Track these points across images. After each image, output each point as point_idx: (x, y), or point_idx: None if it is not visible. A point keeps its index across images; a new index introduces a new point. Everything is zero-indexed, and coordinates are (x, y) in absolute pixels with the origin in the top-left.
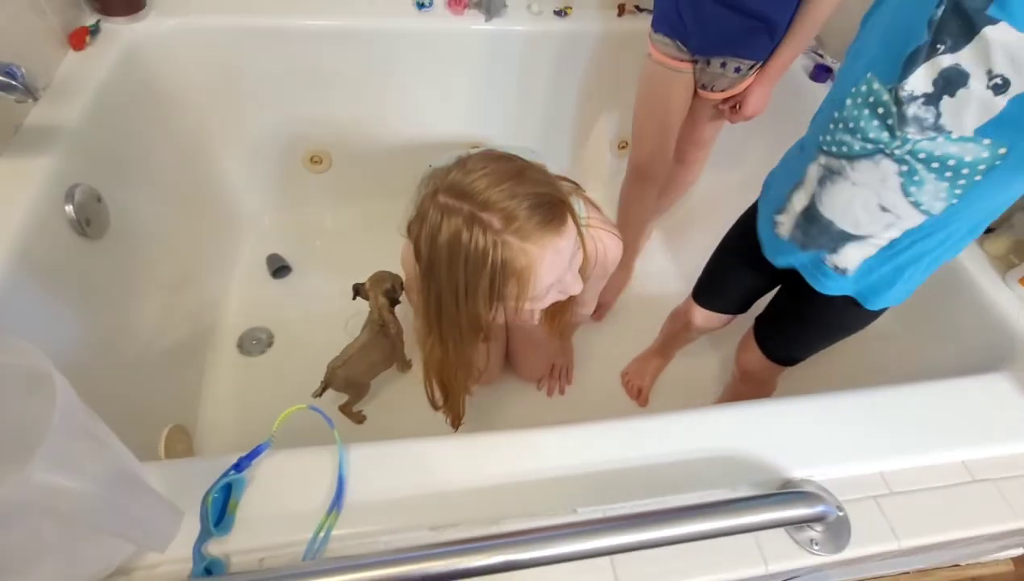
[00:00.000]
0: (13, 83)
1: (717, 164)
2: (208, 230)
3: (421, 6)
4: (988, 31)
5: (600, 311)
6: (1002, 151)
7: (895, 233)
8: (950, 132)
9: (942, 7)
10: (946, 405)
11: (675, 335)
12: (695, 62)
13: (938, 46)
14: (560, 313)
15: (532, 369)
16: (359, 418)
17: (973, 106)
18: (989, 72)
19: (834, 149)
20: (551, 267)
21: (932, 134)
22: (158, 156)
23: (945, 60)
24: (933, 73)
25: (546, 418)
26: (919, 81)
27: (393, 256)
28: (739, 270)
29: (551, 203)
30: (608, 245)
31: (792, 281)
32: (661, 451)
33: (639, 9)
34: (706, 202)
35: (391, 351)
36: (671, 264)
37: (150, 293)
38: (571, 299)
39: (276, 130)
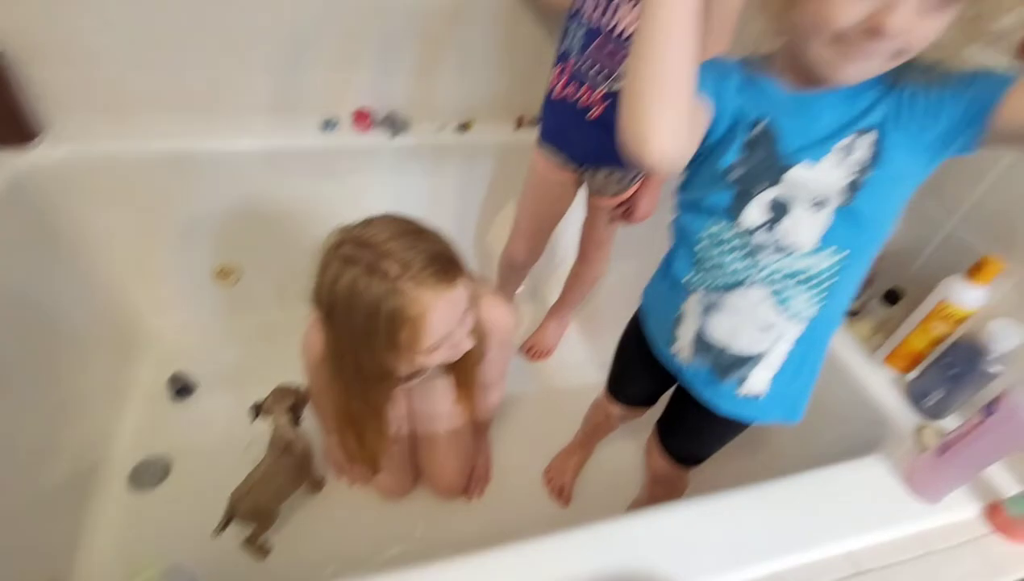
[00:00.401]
0: None
1: (624, 255)
2: (103, 356)
3: (327, 125)
4: (788, 174)
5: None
6: (844, 253)
7: (786, 345)
8: (798, 249)
9: (742, 165)
10: (828, 494)
11: (597, 426)
12: (583, 172)
13: (755, 188)
14: (467, 386)
15: (448, 478)
16: (263, 553)
17: (806, 224)
18: (809, 194)
19: (704, 286)
20: (444, 317)
21: (783, 255)
22: (46, 285)
23: (768, 193)
24: (763, 205)
25: (466, 529)
26: (754, 214)
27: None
28: (639, 372)
29: (447, 258)
30: (501, 313)
31: (684, 397)
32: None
33: (539, 121)
34: (618, 292)
35: (298, 471)
36: (589, 355)
37: (24, 431)
38: (473, 369)
39: (182, 249)
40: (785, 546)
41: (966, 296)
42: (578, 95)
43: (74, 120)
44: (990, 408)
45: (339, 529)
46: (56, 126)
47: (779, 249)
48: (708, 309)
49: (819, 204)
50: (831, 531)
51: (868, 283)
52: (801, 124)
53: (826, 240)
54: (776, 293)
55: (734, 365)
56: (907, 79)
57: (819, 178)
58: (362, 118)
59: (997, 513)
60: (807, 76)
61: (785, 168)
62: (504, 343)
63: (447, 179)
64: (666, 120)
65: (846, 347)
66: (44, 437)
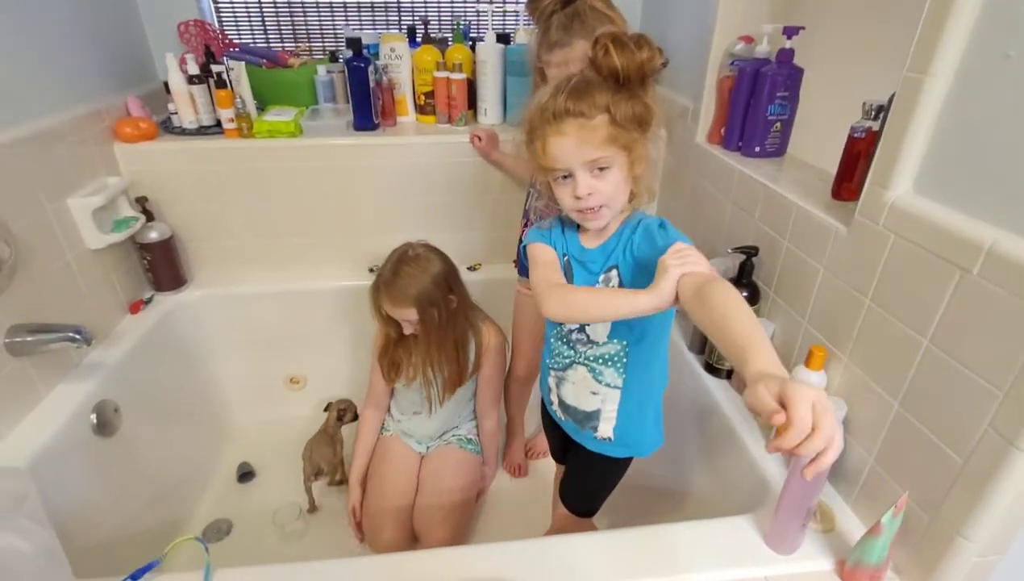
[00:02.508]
0: (78, 338)
1: None
2: (200, 440)
3: (371, 270)
4: None
5: (522, 468)
6: (624, 343)
7: (612, 405)
8: (596, 341)
9: None
10: (699, 541)
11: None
12: None
13: None
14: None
15: (439, 544)
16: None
17: (600, 326)
18: None
19: (555, 366)
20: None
21: (590, 345)
22: (173, 383)
23: None
24: None
25: None
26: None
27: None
28: (553, 429)
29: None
30: (495, 335)
31: (572, 445)
32: None
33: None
34: None
35: (331, 456)
36: None
37: (139, 486)
38: (464, 370)
39: (269, 362)
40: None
41: (809, 380)
42: None
43: (211, 273)
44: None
45: None
46: (199, 277)
47: (587, 343)
48: (559, 383)
49: None
50: (691, 567)
51: None
52: (582, 267)
53: (611, 335)
54: (591, 370)
55: (586, 419)
56: (635, 232)
57: None
58: None
59: (842, 565)
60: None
61: None
62: (497, 355)
63: None
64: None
65: (748, 432)
66: (155, 488)
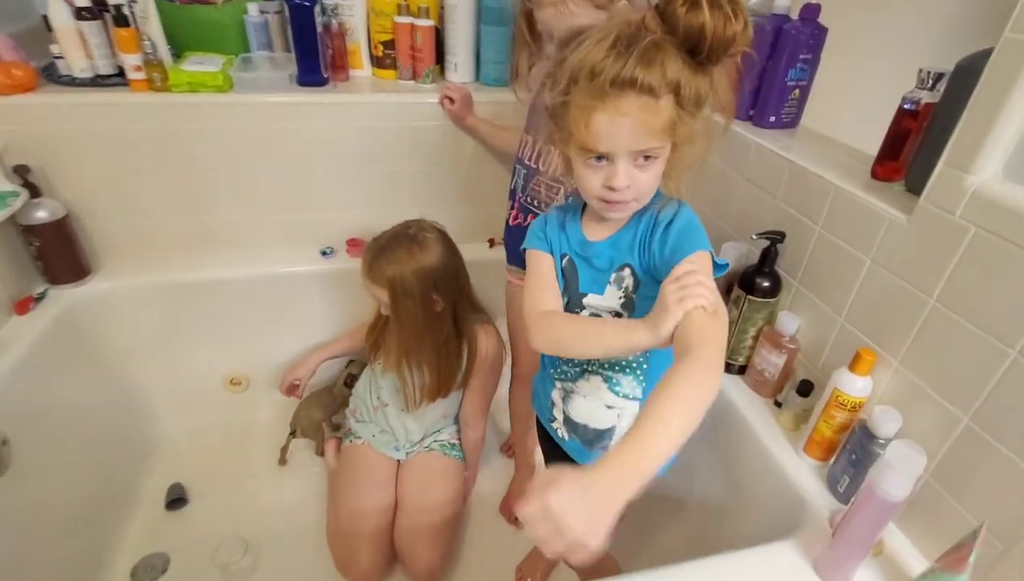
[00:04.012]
0: None
1: None
2: (121, 461)
3: (324, 253)
4: (585, 300)
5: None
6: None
7: (628, 420)
8: None
9: (565, 291)
10: (741, 577)
11: None
12: None
13: (576, 309)
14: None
15: (427, 562)
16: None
17: None
18: (606, 310)
19: (561, 376)
20: None
21: None
22: (79, 398)
23: (584, 311)
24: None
25: None
26: None
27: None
28: (550, 447)
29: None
30: (493, 342)
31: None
32: None
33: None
34: None
35: (331, 408)
36: None
37: (45, 529)
38: (454, 375)
39: (202, 362)
40: None
41: (852, 386)
42: (527, 222)
43: (121, 260)
44: (860, 489)
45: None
46: (105, 265)
47: None
48: (566, 396)
49: (616, 314)
50: None
51: (785, 376)
52: (587, 265)
53: None
54: (607, 379)
55: (596, 438)
56: (650, 231)
57: (606, 302)
58: (355, 245)
59: None
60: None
61: (584, 295)
62: (490, 370)
63: None
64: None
65: (771, 436)
66: (66, 528)
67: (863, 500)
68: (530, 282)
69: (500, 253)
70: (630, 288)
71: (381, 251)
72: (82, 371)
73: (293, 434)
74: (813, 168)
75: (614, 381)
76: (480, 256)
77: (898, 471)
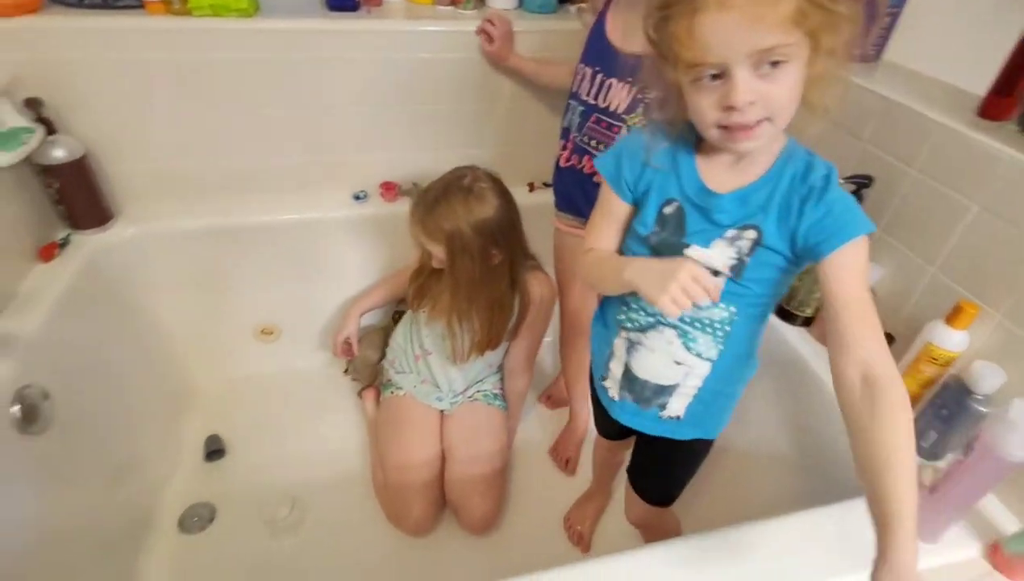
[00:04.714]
0: None
1: None
2: (158, 412)
3: (357, 198)
4: (687, 251)
5: (571, 465)
6: (733, 310)
7: (696, 380)
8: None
9: (656, 235)
10: (822, 534)
11: (602, 464)
12: None
13: (666, 254)
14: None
15: (480, 513)
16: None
17: None
18: (706, 266)
19: (629, 325)
20: None
21: None
22: (114, 349)
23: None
24: None
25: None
26: None
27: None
28: (600, 405)
29: None
30: (547, 288)
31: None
32: None
33: (546, 185)
34: None
35: (373, 360)
36: None
37: (91, 482)
38: (505, 324)
39: (232, 311)
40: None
41: (948, 340)
42: (582, 164)
43: (144, 205)
44: (969, 446)
45: (364, 575)
46: (127, 210)
47: None
48: (630, 347)
49: (714, 272)
50: (827, 571)
51: None
52: (702, 216)
53: (722, 296)
54: (682, 334)
55: (655, 394)
56: (797, 190)
57: (711, 258)
58: (389, 189)
59: (996, 552)
60: (720, 152)
61: (686, 245)
62: (542, 319)
63: None
64: None
65: None
66: (112, 480)
67: (978, 459)
68: (593, 214)
69: (540, 198)
70: (745, 250)
71: (435, 203)
72: (113, 321)
73: (346, 372)
74: (911, 104)
75: (690, 336)
76: (520, 201)
77: (1021, 431)
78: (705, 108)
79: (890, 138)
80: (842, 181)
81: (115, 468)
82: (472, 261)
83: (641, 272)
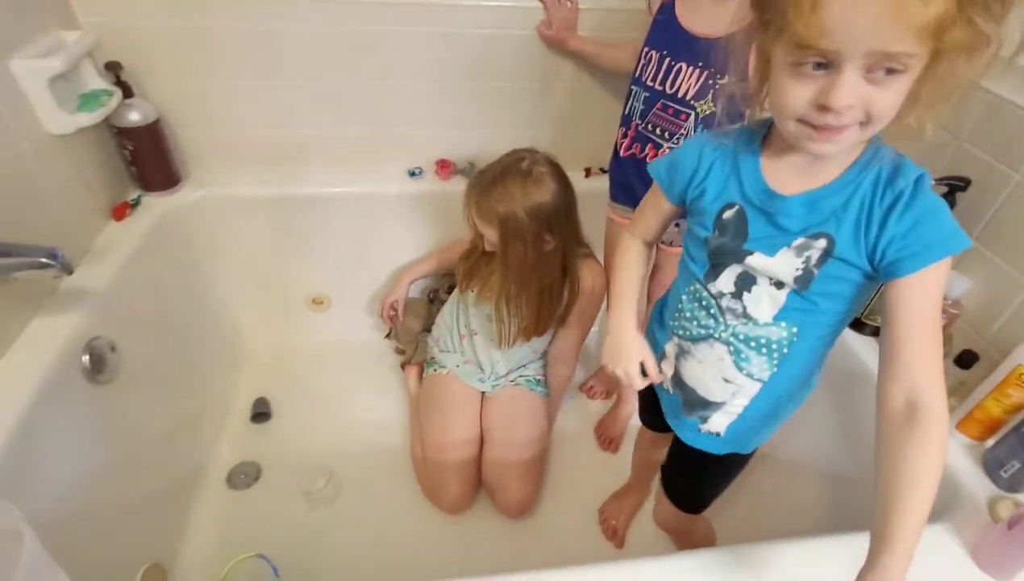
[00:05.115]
0: (52, 263)
1: None
2: (213, 372)
3: (412, 174)
4: (749, 259)
5: (615, 444)
6: (795, 330)
7: (743, 399)
8: (756, 319)
9: (715, 240)
10: None
11: (643, 460)
12: None
13: (725, 262)
14: (544, 320)
15: (517, 496)
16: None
17: (765, 299)
18: (768, 276)
19: (680, 332)
20: None
21: (744, 321)
22: (176, 308)
23: (735, 269)
24: (733, 276)
25: (518, 557)
26: (725, 282)
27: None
28: (649, 396)
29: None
30: (599, 277)
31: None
32: None
33: (603, 171)
34: None
35: (428, 317)
36: None
37: (150, 432)
38: (553, 311)
39: (285, 279)
40: None
41: None
42: (644, 153)
43: (209, 170)
44: None
45: (396, 549)
46: (195, 175)
47: (740, 316)
48: (680, 354)
49: (777, 284)
50: None
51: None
52: (767, 221)
53: (779, 316)
54: (734, 352)
55: (699, 405)
56: (881, 199)
57: (774, 267)
58: (444, 167)
59: None
60: (793, 148)
61: (748, 253)
62: (593, 308)
63: None
64: None
65: None
66: (168, 433)
67: None
68: (643, 202)
69: (597, 184)
70: (813, 261)
71: (492, 185)
72: (176, 281)
73: (388, 337)
74: (1022, 101)
75: (743, 356)
76: (575, 186)
77: None
78: (795, 97)
79: (993, 138)
80: (934, 183)
81: (173, 420)
82: (525, 246)
83: (609, 330)
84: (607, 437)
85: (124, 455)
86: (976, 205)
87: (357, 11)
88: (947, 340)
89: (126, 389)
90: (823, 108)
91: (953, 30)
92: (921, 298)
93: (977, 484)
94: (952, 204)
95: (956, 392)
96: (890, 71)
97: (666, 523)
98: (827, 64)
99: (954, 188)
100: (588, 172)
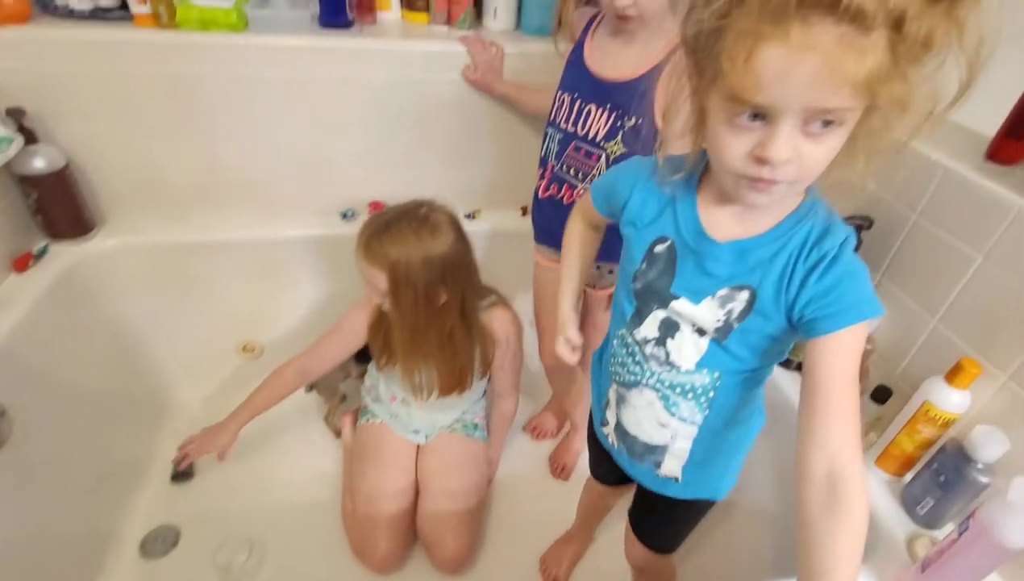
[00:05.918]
0: None
1: None
2: (130, 429)
3: (345, 216)
4: (673, 303)
5: (566, 473)
6: (717, 375)
7: (684, 442)
8: (679, 367)
9: (643, 276)
10: None
11: (589, 507)
12: None
13: (649, 306)
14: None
15: (453, 550)
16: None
17: (688, 346)
18: (691, 323)
19: (617, 379)
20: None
21: (667, 368)
22: (84, 363)
23: (659, 314)
24: (656, 322)
25: None
26: (649, 328)
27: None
28: (598, 449)
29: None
30: (507, 321)
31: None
32: None
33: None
34: None
35: (334, 382)
36: None
37: (50, 502)
38: (469, 366)
39: (213, 327)
40: None
41: (947, 400)
42: (561, 194)
43: (126, 215)
44: (964, 524)
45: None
46: (110, 221)
47: (664, 363)
48: (619, 401)
49: (699, 331)
50: None
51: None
52: (695, 263)
53: (701, 363)
54: (663, 398)
55: (646, 452)
56: (805, 259)
57: (697, 315)
58: (377, 208)
59: None
60: (727, 196)
61: (673, 297)
62: (514, 351)
63: None
64: None
65: None
66: (73, 501)
67: (972, 540)
68: (591, 189)
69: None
70: (735, 314)
71: (385, 228)
72: (86, 334)
73: (309, 390)
74: (916, 143)
75: (671, 401)
76: (512, 225)
77: (1021, 515)
78: (732, 151)
79: (893, 179)
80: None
81: (79, 485)
82: (416, 296)
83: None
84: (559, 464)
85: (20, 526)
86: (881, 243)
87: (280, 56)
88: (863, 375)
89: (19, 455)
90: (760, 160)
91: (888, 84)
92: (837, 359)
93: (896, 521)
94: (858, 243)
95: (874, 427)
96: (827, 123)
97: (637, 561)
98: (764, 114)
99: (860, 227)
100: (525, 211)
